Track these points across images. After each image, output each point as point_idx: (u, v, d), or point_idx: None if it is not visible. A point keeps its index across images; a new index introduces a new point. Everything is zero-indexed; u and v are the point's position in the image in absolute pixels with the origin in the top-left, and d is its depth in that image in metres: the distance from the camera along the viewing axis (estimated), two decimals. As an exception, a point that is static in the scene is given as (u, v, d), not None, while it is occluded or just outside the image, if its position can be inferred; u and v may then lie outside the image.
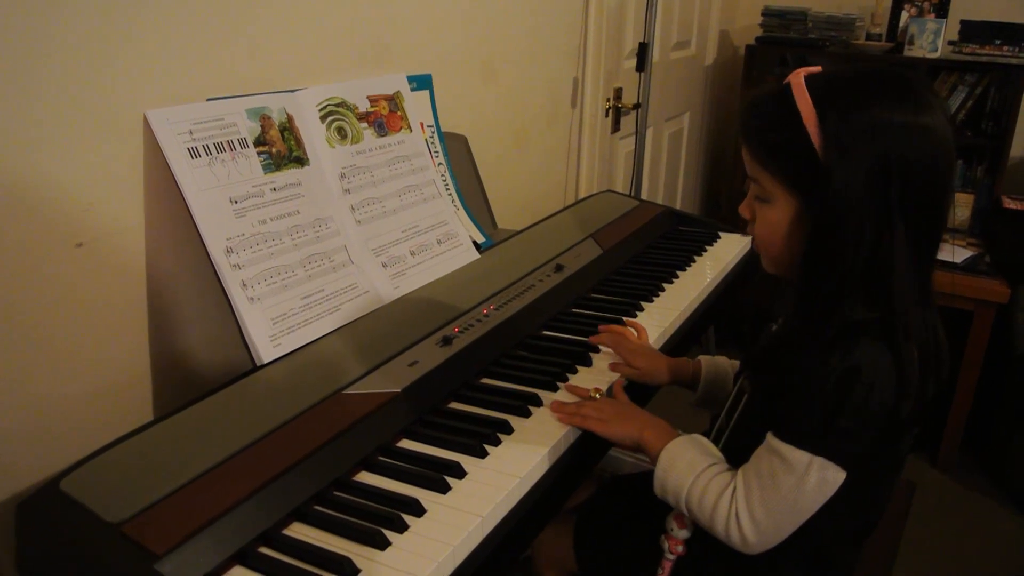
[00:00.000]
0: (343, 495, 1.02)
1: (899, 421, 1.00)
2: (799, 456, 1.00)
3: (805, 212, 1.04)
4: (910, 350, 0.99)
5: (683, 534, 1.20)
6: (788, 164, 1.04)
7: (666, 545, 1.21)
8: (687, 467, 1.11)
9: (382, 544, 0.92)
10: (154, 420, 1.07)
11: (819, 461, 0.99)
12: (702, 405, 1.42)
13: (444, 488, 1.03)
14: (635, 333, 1.46)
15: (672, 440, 1.15)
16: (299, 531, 0.96)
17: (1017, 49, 3.01)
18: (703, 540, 1.14)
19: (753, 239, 1.13)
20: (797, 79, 1.03)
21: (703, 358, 1.45)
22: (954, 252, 2.89)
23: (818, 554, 1.15)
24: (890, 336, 0.98)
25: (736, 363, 1.43)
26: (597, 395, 1.24)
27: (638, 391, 1.39)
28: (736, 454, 1.12)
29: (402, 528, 0.95)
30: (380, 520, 0.96)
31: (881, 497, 1.16)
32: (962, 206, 3.18)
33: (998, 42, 3.04)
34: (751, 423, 1.15)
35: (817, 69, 1.05)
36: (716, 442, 1.22)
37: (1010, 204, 2.99)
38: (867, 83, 1.01)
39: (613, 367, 1.37)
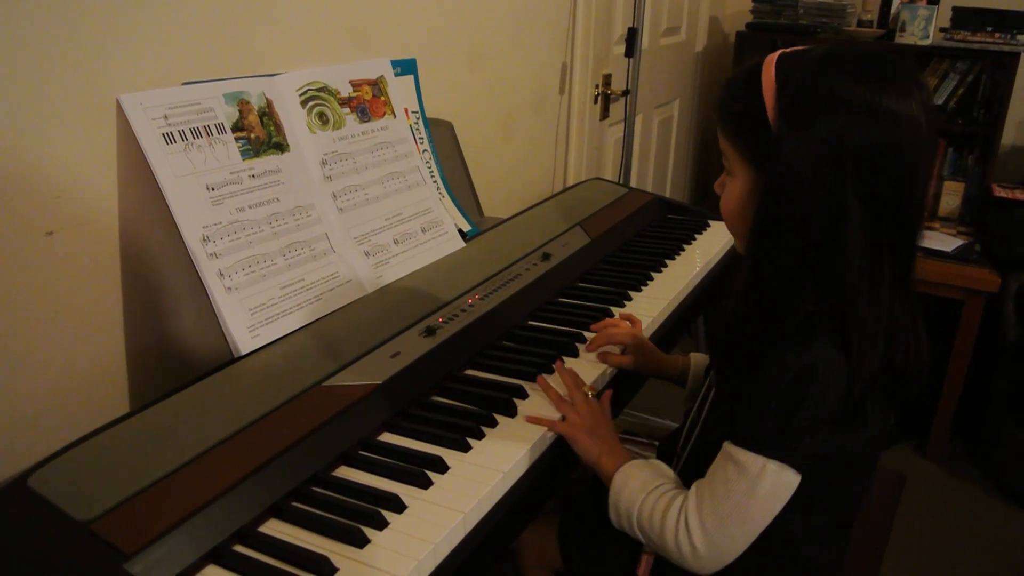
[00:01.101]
0: (322, 491, 0.99)
1: (852, 418, 0.97)
2: (753, 460, 0.97)
3: (758, 185, 1.01)
4: (862, 344, 0.95)
5: None
6: (745, 135, 1.02)
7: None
8: (639, 486, 1.09)
9: (361, 542, 0.90)
10: (127, 414, 1.04)
11: (773, 465, 0.97)
12: (690, 401, 1.40)
13: (426, 483, 1.00)
14: (629, 324, 1.43)
15: (626, 463, 1.13)
16: (276, 528, 0.93)
17: (1008, 36, 2.98)
18: None
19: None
20: (772, 55, 1.01)
21: (694, 355, 1.43)
22: (943, 240, 2.88)
23: (797, 550, 1.12)
24: (841, 330, 0.95)
25: None
26: (591, 393, 1.22)
27: (627, 382, 1.37)
28: (707, 450, 1.10)
29: (382, 525, 0.93)
30: (359, 517, 0.93)
31: (853, 491, 1.13)
32: (952, 194, 3.17)
33: (989, 29, 3.02)
34: (719, 419, 1.13)
35: (803, 48, 1.02)
36: (688, 436, 1.20)
37: (1001, 192, 2.98)
38: (836, 59, 0.97)
39: (602, 357, 1.34)
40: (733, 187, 1.06)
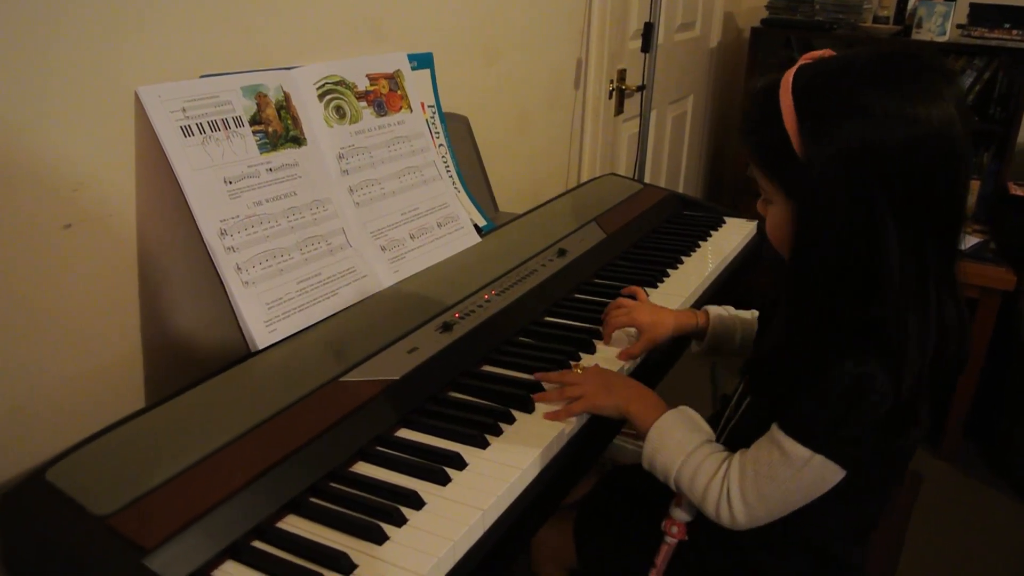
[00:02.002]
0: (340, 487, 0.98)
1: (905, 422, 0.97)
2: (800, 451, 0.98)
3: (797, 211, 1.00)
4: (909, 351, 0.94)
5: (683, 516, 1.18)
6: (775, 163, 1.01)
7: (665, 528, 1.19)
8: (677, 446, 1.09)
9: (380, 538, 0.89)
10: (145, 408, 1.04)
11: (819, 459, 0.97)
12: (707, 355, 1.41)
13: (444, 480, 1.00)
14: (628, 304, 1.41)
15: (661, 416, 1.13)
16: (294, 524, 0.93)
17: (1026, 33, 2.96)
18: (704, 526, 1.12)
19: None
20: (789, 72, 0.98)
21: (710, 308, 1.42)
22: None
23: (822, 545, 1.13)
24: (889, 340, 0.94)
25: (744, 314, 1.41)
26: (579, 371, 1.22)
27: (644, 374, 1.36)
28: (740, 444, 1.10)
29: (401, 522, 0.92)
30: (378, 513, 0.93)
31: (886, 491, 1.14)
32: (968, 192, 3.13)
33: (1007, 25, 3.00)
34: (754, 424, 1.12)
35: (821, 54, 1.00)
36: (723, 431, 1.19)
37: (1017, 190, 2.95)
38: (852, 66, 0.95)
39: (622, 355, 1.33)
40: (774, 214, 1.05)
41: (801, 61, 1.00)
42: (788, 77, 0.98)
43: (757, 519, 1.04)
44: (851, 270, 0.95)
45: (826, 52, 1.01)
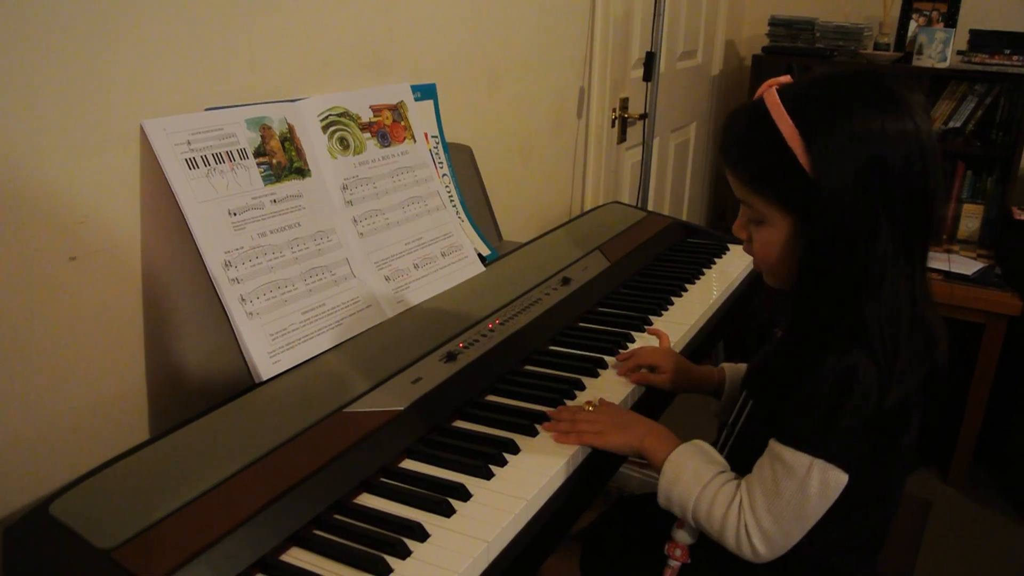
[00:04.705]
0: (344, 519, 0.98)
1: (895, 420, 0.99)
2: (800, 459, 0.99)
3: (801, 228, 1.03)
4: (898, 352, 0.97)
5: (686, 539, 1.17)
6: (778, 186, 1.03)
7: (668, 551, 1.18)
8: (692, 478, 1.09)
9: (384, 571, 0.89)
10: (148, 440, 1.04)
11: (819, 463, 0.99)
12: (724, 413, 1.39)
13: (448, 511, 0.99)
14: (654, 346, 1.42)
15: (675, 449, 1.13)
16: (297, 557, 0.92)
17: (1027, 58, 2.98)
18: (708, 549, 1.12)
19: (753, 258, 1.11)
20: (771, 96, 1.02)
21: (726, 366, 1.43)
22: (963, 263, 2.85)
23: (827, 564, 1.12)
24: (881, 336, 0.97)
25: None
26: (590, 408, 1.21)
27: (651, 402, 1.35)
28: (740, 458, 1.11)
29: (405, 554, 0.92)
30: (382, 545, 0.92)
31: (888, 505, 1.14)
32: (972, 217, 3.15)
33: (1008, 51, 3.01)
34: (756, 429, 1.14)
35: (785, 80, 1.05)
36: (724, 446, 1.20)
37: (1021, 215, 2.95)
38: (842, 91, 1.00)
39: (637, 378, 1.33)
40: (769, 234, 1.07)
41: (771, 84, 1.04)
42: (774, 100, 1.01)
43: (776, 545, 1.04)
44: (854, 275, 0.99)
45: (784, 78, 1.05)
